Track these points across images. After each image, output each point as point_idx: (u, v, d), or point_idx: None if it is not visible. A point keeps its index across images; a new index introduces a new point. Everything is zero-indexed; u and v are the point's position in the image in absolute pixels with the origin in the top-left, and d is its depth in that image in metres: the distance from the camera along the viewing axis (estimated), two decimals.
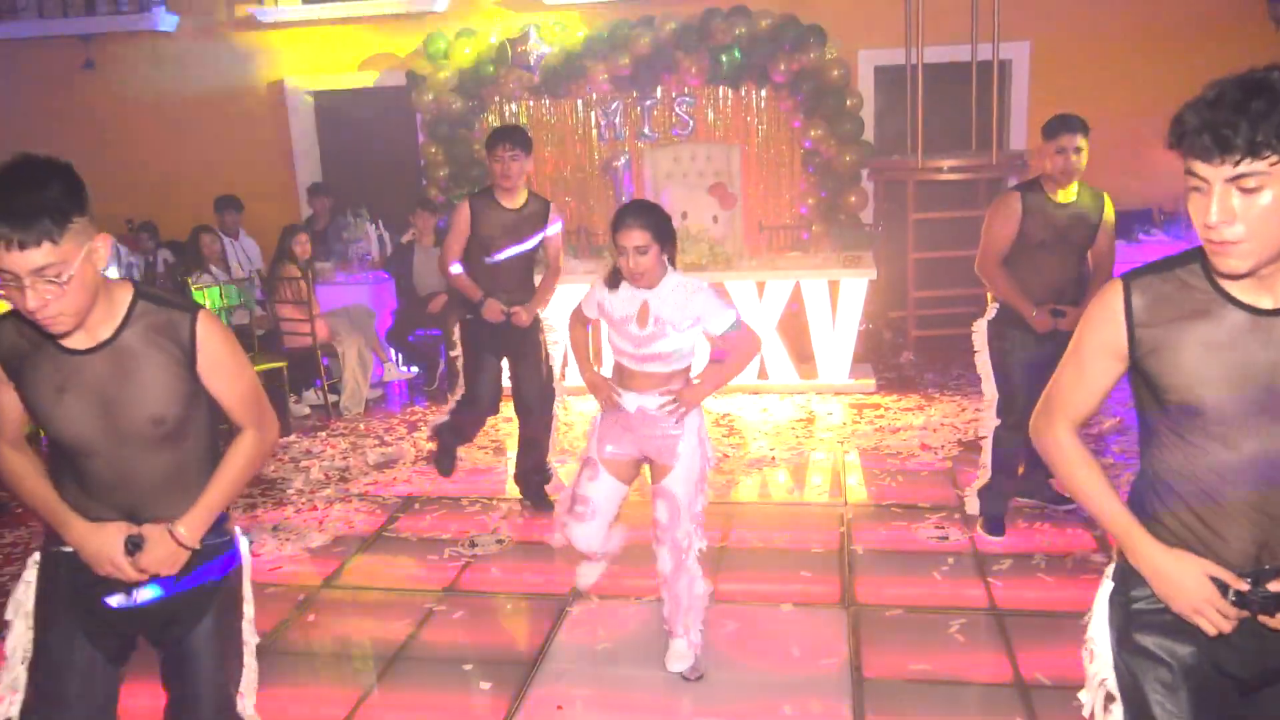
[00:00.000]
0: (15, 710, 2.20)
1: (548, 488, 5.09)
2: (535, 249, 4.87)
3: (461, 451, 5.87)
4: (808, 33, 7.87)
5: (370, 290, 7.76)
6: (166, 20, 9.35)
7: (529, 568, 4.42)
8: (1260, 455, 1.68)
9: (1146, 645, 1.81)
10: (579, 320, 3.64)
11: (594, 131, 8.67)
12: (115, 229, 8.40)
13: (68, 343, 2.02)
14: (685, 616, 3.45)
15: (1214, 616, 1.71)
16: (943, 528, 4.62)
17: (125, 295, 2.07)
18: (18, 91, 9.71)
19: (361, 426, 6.69)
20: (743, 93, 8.38)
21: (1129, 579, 1.84)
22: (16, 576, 4.59)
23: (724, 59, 8.05)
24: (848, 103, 7.96)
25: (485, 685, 3.48)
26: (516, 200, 4.76)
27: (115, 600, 2.15)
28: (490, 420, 6.18)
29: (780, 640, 3.69)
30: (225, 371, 2.15)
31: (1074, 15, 8.21)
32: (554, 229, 4.84)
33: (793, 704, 3.29)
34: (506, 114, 8.67)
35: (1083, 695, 1.97)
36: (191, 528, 2.14)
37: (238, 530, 2.36)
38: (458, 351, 4.97)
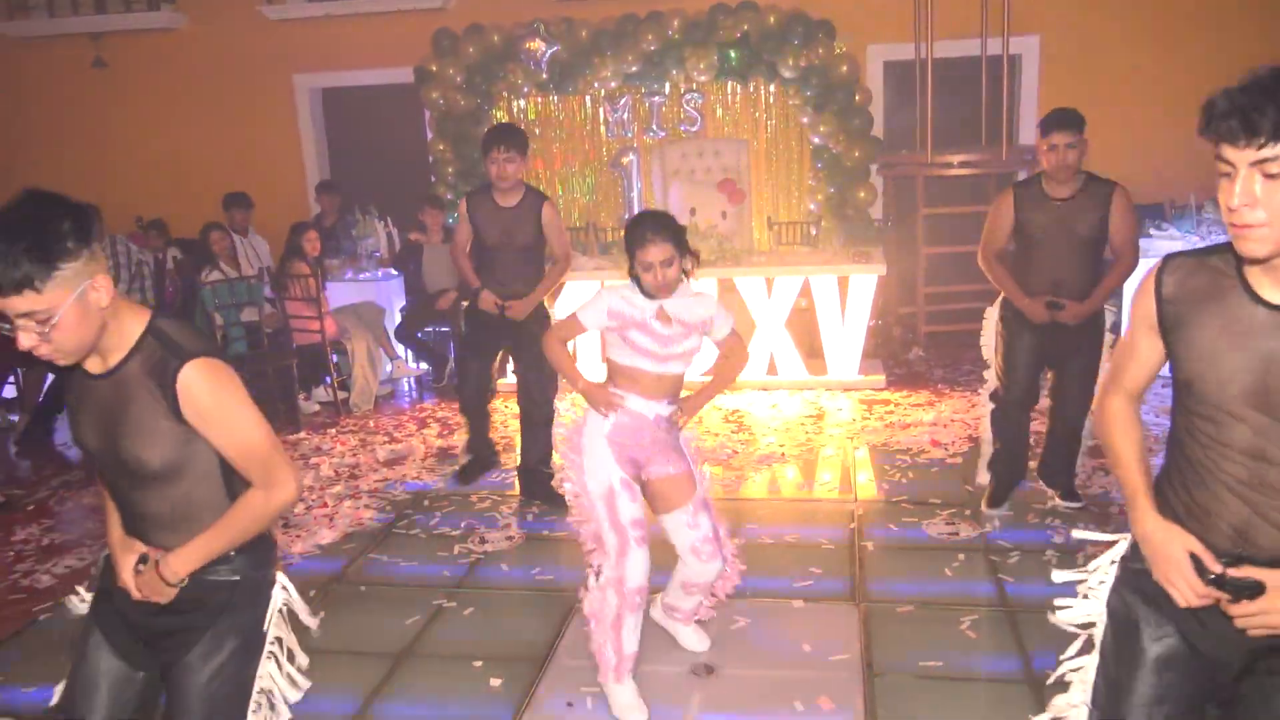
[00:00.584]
0: (54, 699, 2.28)
1: (554, 483, 5.10)
2: (540, 246, 4.90)
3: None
4: (816, 28, 7.85)
5: (379, 287, 7.77)
6: (176, 18, 9.37)
7: (539, 563, 4.42)
8: (1249, 443, 1.76)
9: (1143, 591, 1.93)
10: (560, 337, 3.45)
11: (602, 128, 8.66)
12: (125, 226, 8.43)
13: (86, 364, 2.04)
14: (692, 610, 3.54)
15: (1183, 588, 1.80)
16: (953, 523, 4.60)
17: (138, 326, 2.02)
18: (28, 89, 9.75)
19: (371, 423, 6.69)
20: (751, 88, 8.36)
21: (1138, 548, 1.95)
22: (30, 574, 4.61)
23: (732, 54, 8.04)
24: (857, 98, 7.94)
25: (495, 682, 3.48)
26: (512, 199, 4.81)
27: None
28: (499, 417, 6.20)
29: (791, 636, 3.68)
30: (214, 424, 2.03)
31: (1084, 9, 8.18)
32: (546, 216, 4.82)
33: (804, 699, 3.28)
34: (515, 110, 8.67)
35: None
36: (177, 565, 2.08)
37: (279, 581, 2.30)
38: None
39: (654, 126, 8.55)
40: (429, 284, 7.50)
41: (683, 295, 3.22)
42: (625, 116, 8.58)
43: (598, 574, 3.22)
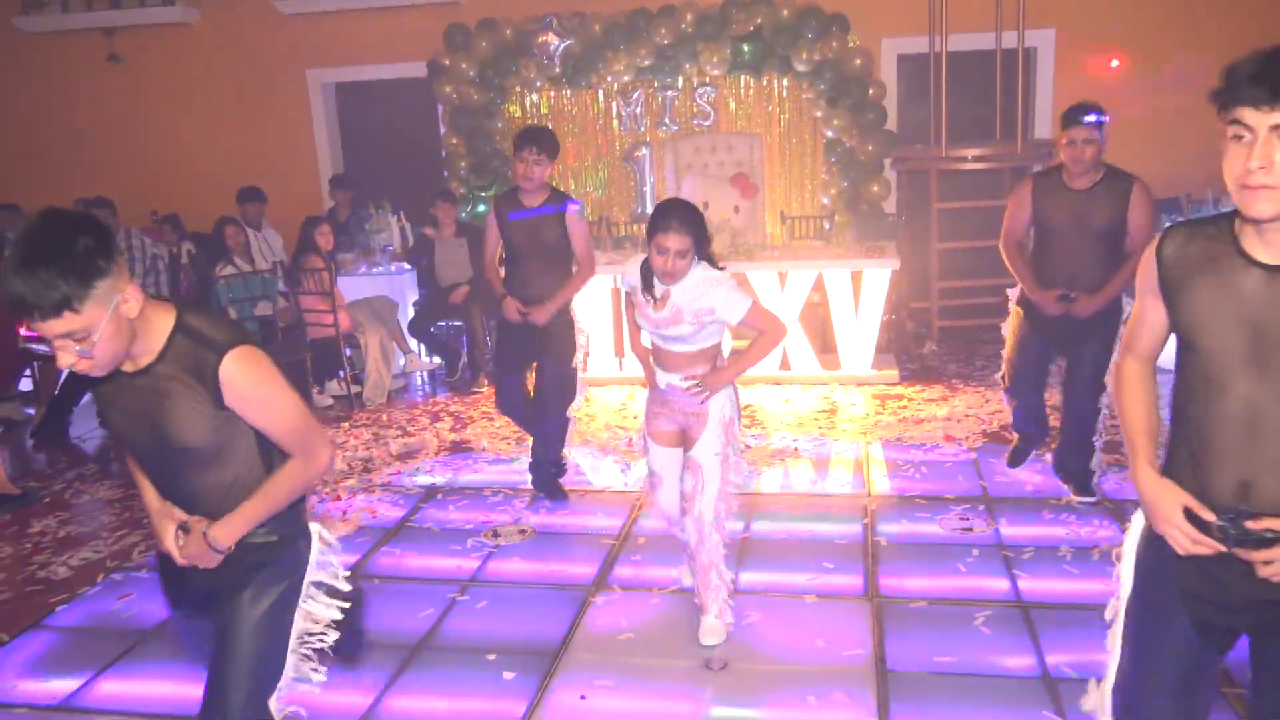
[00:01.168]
0: None
1: (561, 480, 5.11)
2: (566, 248, 4.81)
3: (485, 441, 5.89)
4: (830, 21, 7.82)
5: (392, 281, 7.78)
6: (190, 13, 9.40)
7: (552, 557, 4.43)
8: (1246, 400, 1.82)
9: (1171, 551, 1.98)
10: (626, 303, 3.78)
11: (615, 122, 8.65)
12: (140, 220, 8.46)
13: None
14: (710, 593, 3.58)
15: (1178, 536, 1.89)
16: (967, 519, 4.59)
17: (166, 325, 2.08)
18: (43, 84, 9.80)
19: (384, 417, 6.71)
20: (764, 82, 8.34)
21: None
22: (46, 565, 4.65)
23: (745, 48, 8.01)
24: (870, 92, 7.91)
25: (508, 675, 3.48)
26: (536, 200, 4.74)
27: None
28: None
29: (804, 631, 3.68)
30: (257, 408, 2.14)
31: (1100, 2, 8.13)
32: (571, 215, 4.75)
33: (817, 695, 3.27)
34: (527, 105, 8.67)
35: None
36: (223, 533, 2.20)
37: (313, 528, 2.43)
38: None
39: (667, 120, 8.54)
40: (442, 278, 7.51)
41: (693, 281, 3.33)
42: (638, 110, 8.57)
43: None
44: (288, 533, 2.34)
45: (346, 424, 6.58)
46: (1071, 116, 4.18)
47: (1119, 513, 4.52)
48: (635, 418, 6.33)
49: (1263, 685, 1.97)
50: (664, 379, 3.54)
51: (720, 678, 3.42)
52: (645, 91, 8.52)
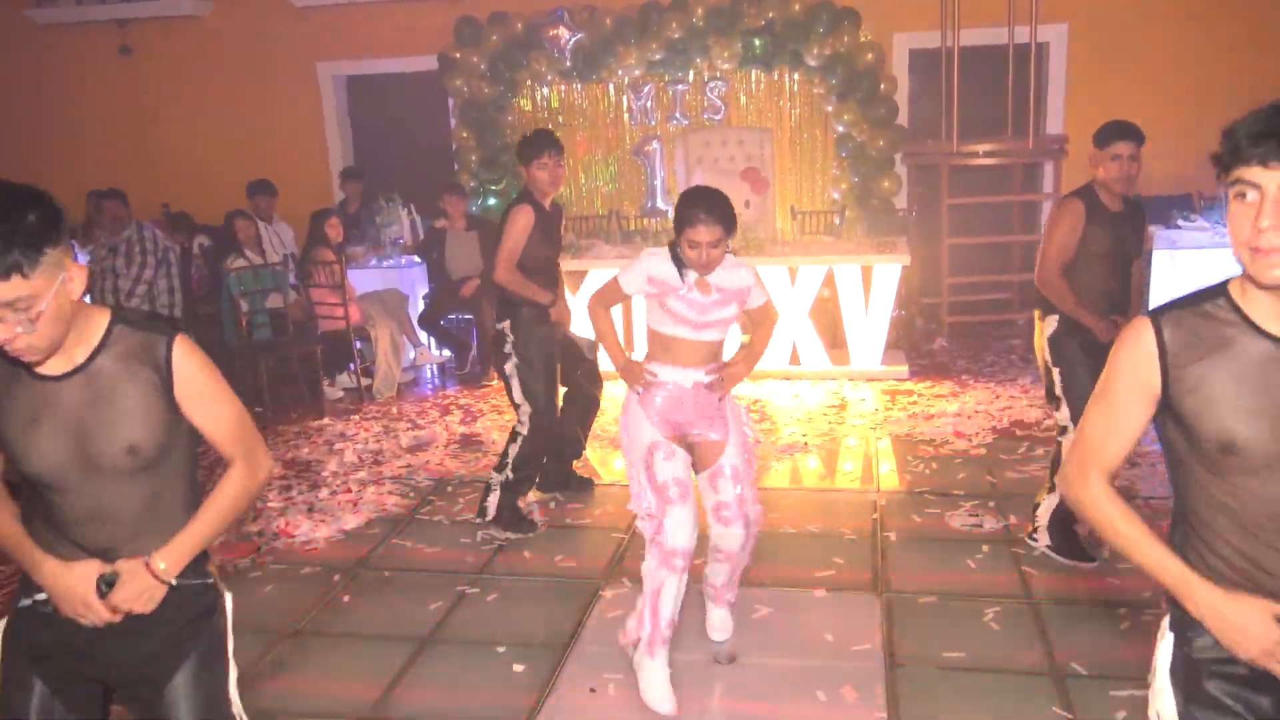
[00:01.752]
0: None
1: (576, 463, 5.15)
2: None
3: (495, 434, 5.89)
4: (841, 15, 7.79)
5: (402, 274, 7.80)
6: (201, 5, 9.42)
7: (561, 550, 4.44)
8: None
9: (1219, 697, 1.71)
10: (606, 300, 3.50)
11: (625, 116, 8.63)
12: (151, 214, 8.49)
13: (42, 369, 1.94)
14: (733, 587, 3.55)
15: None
16: (976, 515, 4.59)
17: (102, 320, 1.98)
18: (55, 76, 9.83)
19: (394, 410, 6.73)
20: (775, 76, 8.32)
21: (1188, 629, 1.74)
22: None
23: (756, 42, 8.00)
24: (881, 87, 7.89)
25: (518, 667, 3.49)
26: (547, 203, 4.68)
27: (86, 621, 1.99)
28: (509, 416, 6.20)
29: (813, 626, 3.68)
30: (205, 399, 2.02)
31: None
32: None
33: (826, 690, 3.28)
34: (538, 98, 8.67)
35: None
36: (170, 561, 2.00)
37: (217, 579, 2.18)
38: (513, 358, 4.56)
39: (677, 114, 8.52)
40: (452, 271, 7.53)
41: (722, 266, 3.26)
42: (649, 104, 8.55)
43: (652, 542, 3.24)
44: (209, 575, 2.12)
45: (357, 416, 6.60)
46: (1115, 131, 3.92)
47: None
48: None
49: None
50: (688, 376, 3.27)
51: (729, 672, 3.42)
52: (656, 85, 8.50)
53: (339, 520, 4.82)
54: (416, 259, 7.93)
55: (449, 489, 5.23)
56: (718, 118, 8.43)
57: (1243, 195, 1.56)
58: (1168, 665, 1.78)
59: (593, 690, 3.34)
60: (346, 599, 4.09)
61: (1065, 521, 4.11)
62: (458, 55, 8.38)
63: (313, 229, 7.10)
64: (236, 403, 2.08)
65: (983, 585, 3.95)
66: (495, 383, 7.13)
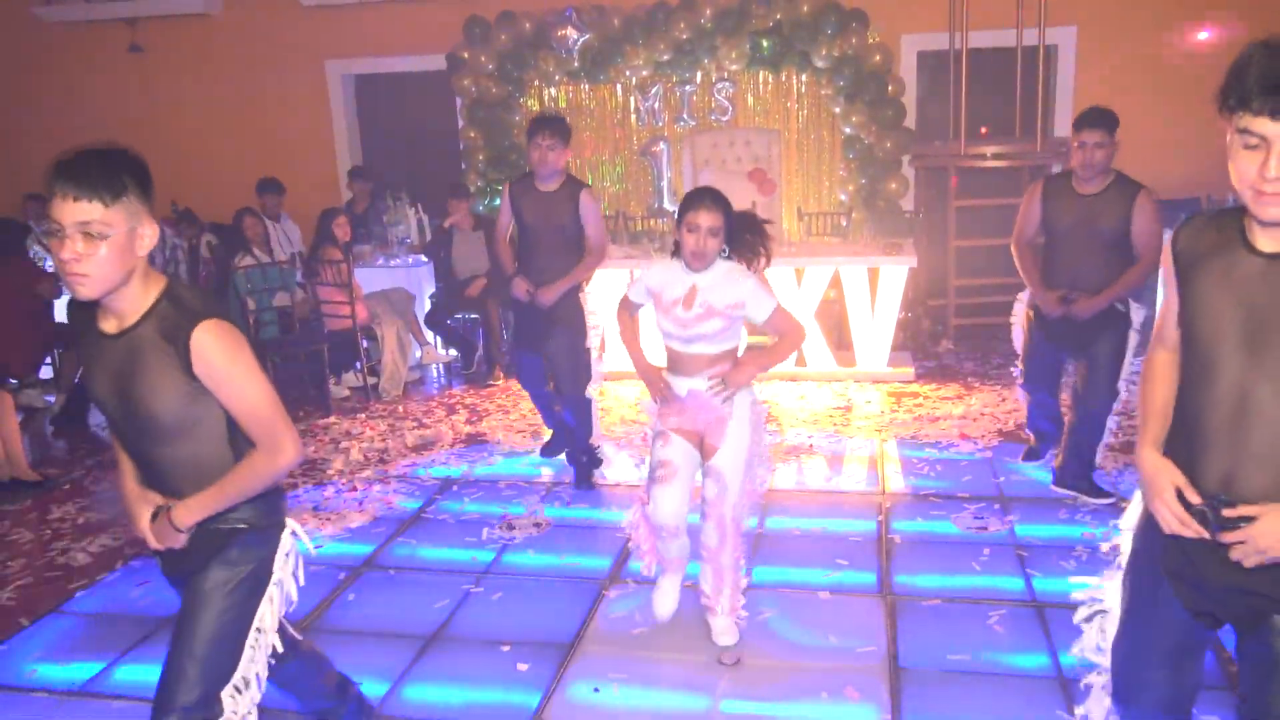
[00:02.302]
0: None
1: (597, 471, 5.15)
2: (578, 233, 4.91)
3: (500, 433, 5.91)
4: (850, 17, 7.79)
5: (409, 273, 7.81)
6: (211, 3, 9.44)
7: (566, 550, 4.44)
8: (1235, 387, 1.83)
9: (1159, 553, 2.06)
10: (626, 309, 3.71)
11: (633, 116, 8.64)
12: (160, 210, 8.48)
13: (102, 325, 2.17)
14: (726, 593, 3.56)
15: (1167, 515, 1.93)
16: (982, 518, 4.58)
17: (156, 290, 2.16)
18: (64, 75, 9.86)
19: (400, 409, 6.74)
20: (783, 77, 8.32)
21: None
22: (66, 551, 4.69)
23: (764, 43, 8.00)
24: (889, 88, 7.88)
25: (522, 666, 3.50)
26: (552, 185, 4.86)
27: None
28: (528, 405, 6.23)
29: (817, 628, 3.68)
30: (224, 384, 2.16)
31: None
32: (584, 204, 4.85)
33: (830, 691, 3.28)
34: (546, 98, 8.67)
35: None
36: (183, 515, 2.24)
37: (289, 525, 2.44)
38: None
39: (685, 115, 8.53)
40: (459, 270, 7.54)
41: (720, 274, 3.36)
42: (656, 105, 8.56)
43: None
44: (261, 523, 2.35)
45: (363, 415, 6.62)
46: (1083, 120, 4.24)
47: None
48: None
49: (1245, 678, 1.99)
50: (684, 385, 3.44)
51: (733, 672, 3.43)
52: (663, 86, 8.51)
53: (344, 519, 4.84)
54: (423, 258, 7.94)
55: (455, 488, 5.23)
56: (725, 118, 8.43)
57: (1249, 142, 1.69)
58: (1138, 508, 2.15)
59: (597, 690, 3.35)
60: (352, 597, 4.10)
61: (1085, 459, 4.60)
62: (466, 55, 8.40)
63: (321, 227, 7.11)
64: (259, 388, 2.20)
65: (987, 588, 3.95)
66: (500, 382, 7.15)
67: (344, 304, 6.86)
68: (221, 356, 2.13)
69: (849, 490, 5.07)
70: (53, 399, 6.99)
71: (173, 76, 9.69)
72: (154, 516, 2.28)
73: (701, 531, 3.54)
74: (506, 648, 3.63)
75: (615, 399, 6.72)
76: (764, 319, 3.38)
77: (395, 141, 9.70)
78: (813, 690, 3.29)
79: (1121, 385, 4.40)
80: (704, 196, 3.34)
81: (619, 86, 8.60)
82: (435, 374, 7.68)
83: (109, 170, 2.01)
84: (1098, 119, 4.22)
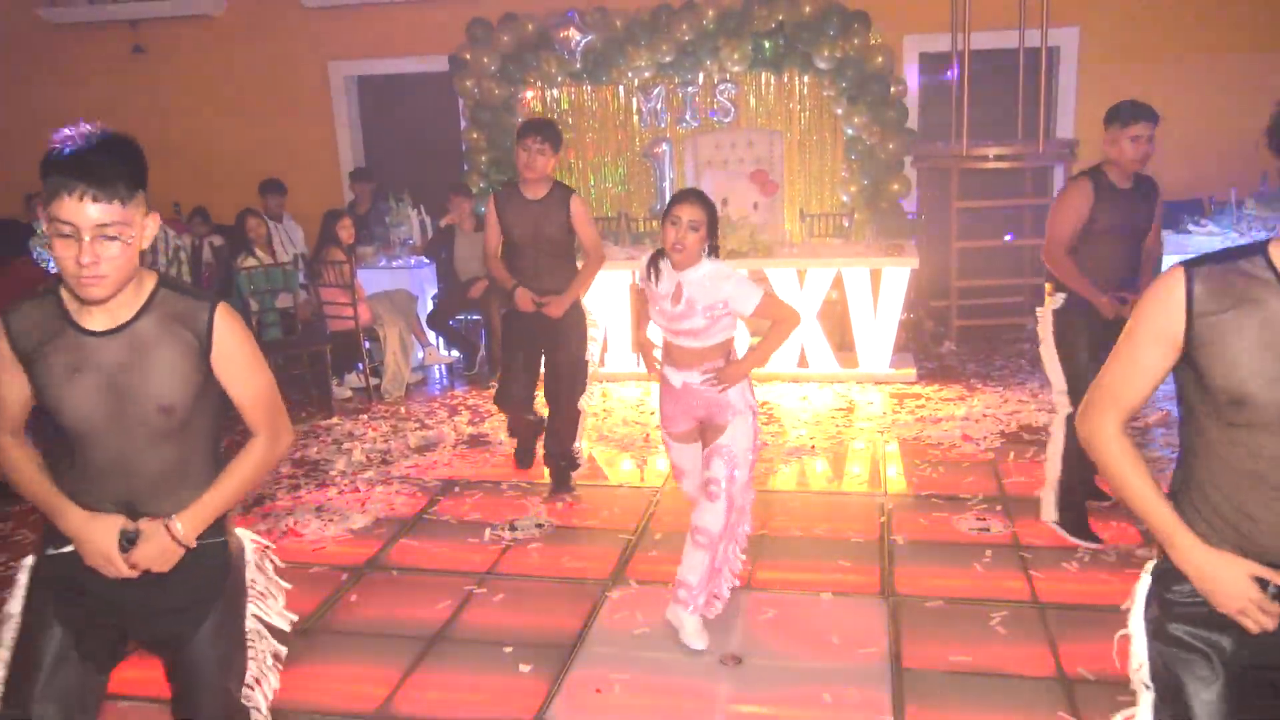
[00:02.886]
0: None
1: (574, 474, 5.13)
2: (570, 240, 4.87)
3: (502, 435, 5.91)
4: (852, 18, 7.79)
5: (412, 275, 7.82)
6: (214, 4, 9.46)
7: (568, 552, 4.45)
8: None
9: (1181, 635, 1.82)
10: (639, 292, 3.94)
11: (635, 117, 8.64)
12: (162, 211, 8.48)
13: (87, 324, 2.03)
14: (714, 580, 3.62)
15: (1258, 615, 1.72)
16: (984, 519, 4.58)
17: (150, 282, 2.08)
18: (68, 76, 9.87)
19: (402, 410, 6.75)
20: (785, 79, 8.32)
21: (1169, 576, 1.85)
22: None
23: (767, 45, 8.00)
24: (892, 89, 7.88)
25: (525, 668, 3.50)
26: (539, 192, 4.79)
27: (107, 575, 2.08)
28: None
29: (819, 629, 3.68)
30: (240, 367, 2.13)
31: (1123, 1, 8.06)
32: (575, 210, 4.79)
33: (832, 692, 3.28)
34: (548, 99, 8.68)
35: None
36: (189, 524, 2.09)
37: (242, 533, 2.33)
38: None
39: (687, 116, 8.53)
40: (461, 272, 7.54)
41: (704, 273, 3.48)
42: (658, 106, 8.56)
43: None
44: (232, 536, 2.26)
45: (365, 416, 6.62)
46: (1133, 113, 4.04)
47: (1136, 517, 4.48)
48: (652, 413, 6.34)
49: None
50: (679, 378, 3.61)
51: (736, 674, 3.43)
52: (666, 87, 8.51)
53: (347, 520, 4.84)
54: (425, 259, 7.95)
55: (457, 489, 5.24)
56: (727, 120, 8.44)
57: None
58: (1142, 604, 1.91)
59: (599, 691, 3.35)
60: (354, 598, 4.11)
61: (1075, 501, 4.28)
62: (468, 56, 8.40)
63: (324, 229, 7.12)
64: (268, 376, 2.20)
65: (990, 589, 3.95)
66: None
67: (346, 305, 6.87)
68: (239, 339, 2.11)
69: (851, 491, 5.07)
70: None
71: (175, 78, 9.70)
72: (124, 543, 2.06)
73: (703, 513, 3.54)
74: (509, 649, 3.63)
75: (618, 400, 6.72)
76: (751, 311, 3.48)
77: (397, 143, 9.71)
78: (815, 691, 3.29)
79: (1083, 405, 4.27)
80: (687, 193, 3.49)
81: (621, 88, 8.60)
82: (437, 375, 7.69)
83: (123, 165, 1.92)
84: (1146, 110, 4.05)
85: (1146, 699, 1.89)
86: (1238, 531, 1.76)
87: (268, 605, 2.37)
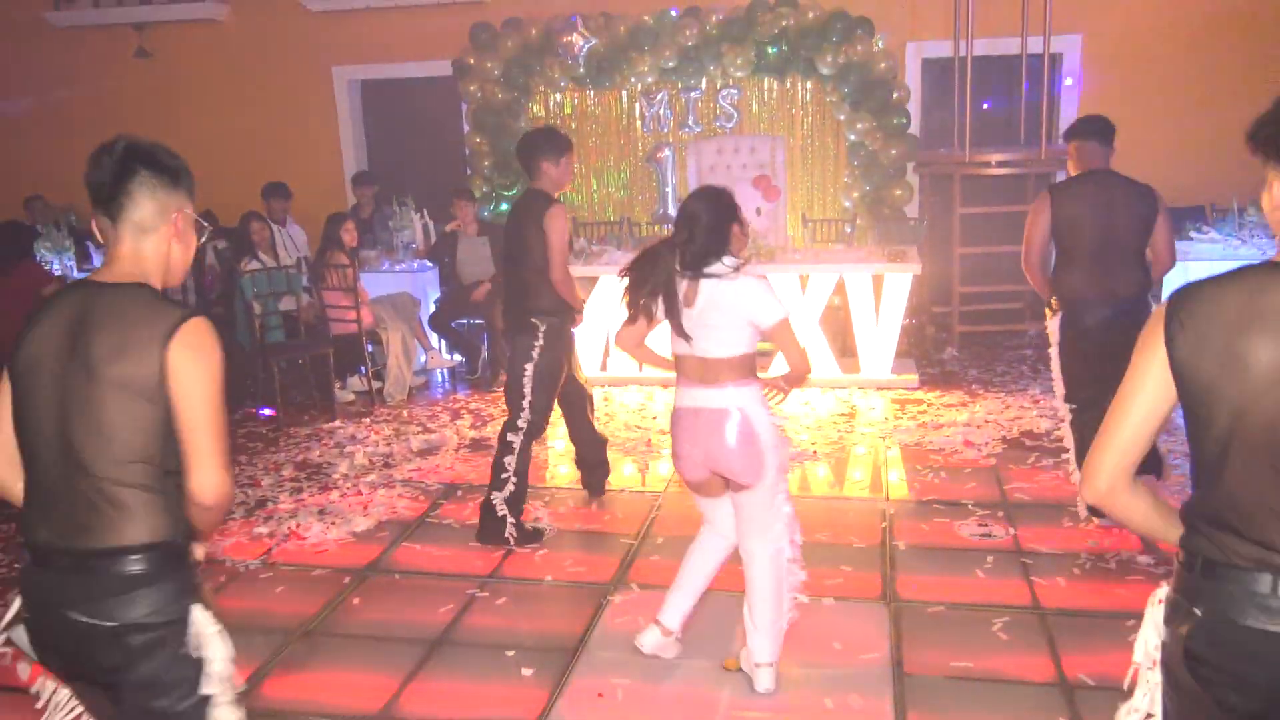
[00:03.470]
0: None
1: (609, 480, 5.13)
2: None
3: None
4: (855, 24, 7.81)
5: (414, 278, 7.83)
6: (218, 9, 9.49)
7: (571, 556, 4.45)
8: None
9: (1188, 674, 1.70)
10: None
11: (638, 123, 8.66)
12: None
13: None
14: (768, 633, 3.34)
15: None
16: (985, 525, 4.59)
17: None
18: (72, 79, 9.91)
19: (405, 413, 6.75)
20: (788, 84, 8.34)
21: (1179, 610, 1.73)
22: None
23: (770, 50, 8.02)
24: (894, 95, 7.90)
25: (527, 672, 3.51)
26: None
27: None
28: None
29: (821, 634, 3.68)
30: (193, 378, 1.92)
31: (1127, 8, 8.09)
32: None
33: (834, 698, 3.28)
34: (551, 105, 8.70)
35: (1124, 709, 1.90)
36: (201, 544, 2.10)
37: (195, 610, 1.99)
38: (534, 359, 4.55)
39: (690, 122, 8.55)
40: (463, 275, 7.56)
41: (726, 278, 3.15)
42: (661, 111, 8.58)
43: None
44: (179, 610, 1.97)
45: (367, 420, 6.63)
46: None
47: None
48: (655, 418, 6.35)
49: None
50: (689, 397, 3.24)
51: (737, 678, 3.43)
52: (669, 93, 8.53)
53: (349, 523, 4.85)
54: (428, 263, 7.96)
55: (459, 493, 5.24)
56: (730, 125, 8.45)
57: None
58: (1153, 634, 1.80)
59: (601, 695, 3.36)
60: (356, 601, 4.11)
61: None
62: (472, 61, 8.43)
63: (328, 232, 7.14)
64: (217, 411, 1.96)
65: (991, 595, 3.95)
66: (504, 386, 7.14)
67: (349, 308, 6.88)
68: (206, 347, 1.99)
69: (853, 497, 5.07)
70: None
71: (180, 82, 9.73)
72: None
73: (746, 584, 3.33)
74: (511, 652, 3.64)
75: (620, 405, 6.73)
76: (769, 325, 3.14)
77: (401, 147, 9.74)
78: (817, 696, 3.30)
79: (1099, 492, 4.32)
80: (704, 190, 3.30)
81: (624, 93, 8.62)
82: (440, 378, 7.69)
83: (176, 159, 2.26)
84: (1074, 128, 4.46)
85: None
86: (1217, 545, 1.67)
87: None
